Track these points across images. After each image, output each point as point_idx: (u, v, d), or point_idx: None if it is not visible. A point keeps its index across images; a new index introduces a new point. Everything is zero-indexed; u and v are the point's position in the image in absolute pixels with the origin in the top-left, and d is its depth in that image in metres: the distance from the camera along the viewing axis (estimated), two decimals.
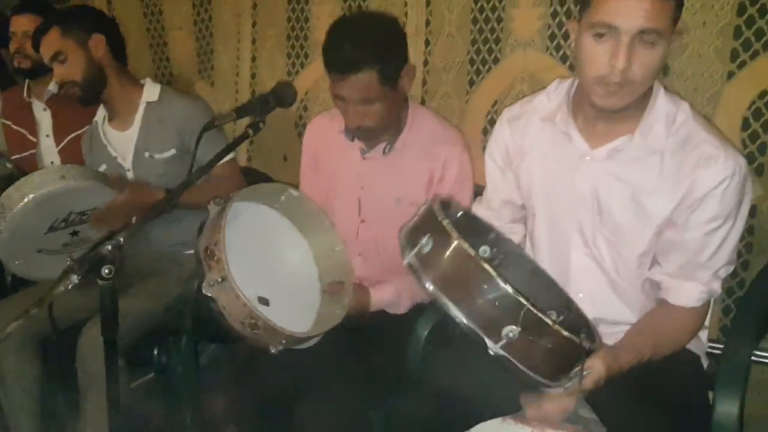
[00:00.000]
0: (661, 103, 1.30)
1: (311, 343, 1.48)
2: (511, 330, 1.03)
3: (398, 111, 1.63)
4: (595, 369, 1.15)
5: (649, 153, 1.30)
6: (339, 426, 1.49)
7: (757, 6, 1.60)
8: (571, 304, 1.30)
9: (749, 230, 1.69)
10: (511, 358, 1.05)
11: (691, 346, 1.41)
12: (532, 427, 1.28)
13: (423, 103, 2.16)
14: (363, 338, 1.63)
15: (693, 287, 1.32)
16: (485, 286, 1.03)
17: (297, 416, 1.51)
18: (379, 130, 1.60)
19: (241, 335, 1.37)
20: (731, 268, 1.35)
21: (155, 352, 1.99)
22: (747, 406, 1.79)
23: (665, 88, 1.34)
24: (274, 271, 1.56)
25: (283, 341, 1.37)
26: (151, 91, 2.05)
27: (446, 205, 1.28)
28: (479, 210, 1.60)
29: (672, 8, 1.17)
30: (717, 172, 1.25)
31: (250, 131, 1.41)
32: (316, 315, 1.57)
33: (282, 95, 1.49)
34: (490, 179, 1.57)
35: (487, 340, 1.04)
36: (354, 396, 1.53)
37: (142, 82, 2.10)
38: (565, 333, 1.04)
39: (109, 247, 1.15)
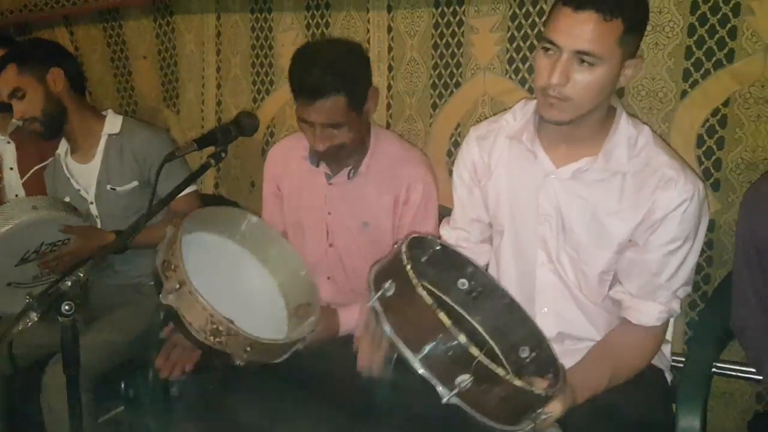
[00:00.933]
0: (623, 126, 1.34)
1: (279, 359, 1.46)
2: (463, 379, 1.04)
3: (363, 134, 1.65)
4: (554, 412, 1.16)
5: (612, 174, 1.34)
6: None
7: (707, 27, 1.65)
8: (543, 342, 1.31)
9: (708, 244, 1.72)
10: (465, 406, 1.07)
11: (655, 360, 1.43)
12: None
13: (388, 126, 2.18)
14: (332, 366, 1.61)
15: (653, 307, 1.35)
16: (441, 335, 1.05)
17: None
18: (345, 154, 1.61)
19: (206, 349, 1.35)
20: (689, 289, 1.39)
21: (123, 385, 1.96)
22: (715, 417, 1.83)
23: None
24: (237, 298, 1.55)
25: (248, 348, 1.35)
26: (112, 122, 2.04)
27: (420, 241, 1.29)
28: (446, 231, 1.62)
29: (617, 35, 1.21)
30: (676, 194, 1.29)
31: (212, 161, 1.41)
32: (285, 337, 1.56)
33: (243, 125, 1.50)
34: (458, 198, 1.59)
35: (440, 389, 1.06)
36: (324, 425, 1.52)
37: (104, 113, 2.08)
38: (518, 383, 1.06)
39: (69, 284, 1.14)
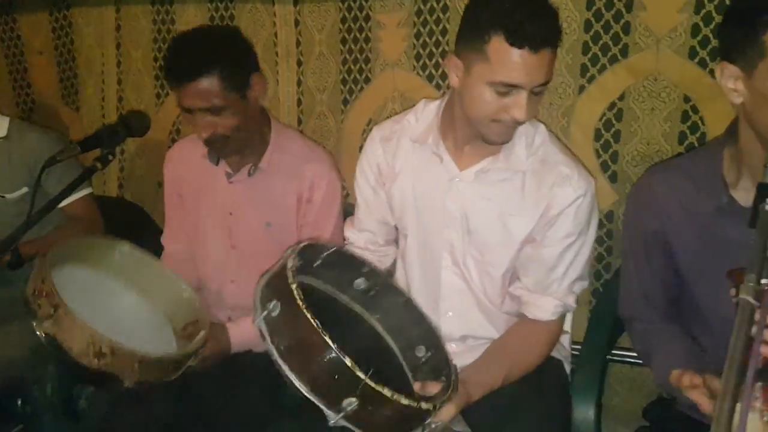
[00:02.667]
0: (521, 125, 1.35)
1: (173, 376, 1.40)
2: (350, 402, 1.03)
3: (256, 125, 1.60)
4: (446, 416, 1.15)
5: (512, 173, 1.36)
6: None
7: (602, 22, 1.70)
8: (438, 342, 1.31)
9: (608, 234, 1.78)
10: (353, 427, 1.06)
11: (554, 352, 1.47)
12: None
13: (299, 122, 2.15)
14: (242, 368, 1.58)
15: (549, 302, 1.38)
16: (327, 358, 1.03)
17: None
18: (235, 143, 1.55)
19: (94, 371, 1.27)
20: (585, 284, 1.43)
21: (19, 402, 1.84)
22: (622, 402, 1.89)
23: None
24: (121, 329, 1.43)
25: (137, 365, 1.28)
26: None
27: (312, 247, 1.26)
28: (352, 233, 1.60)
29: (553, 60, 1.23)
30: (571, 191, 1.33)
31: (98, 164, 1.33)
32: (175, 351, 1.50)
33: (132, 125, 1.43)
34: (363, 199, 1.57)
35: (327, 412, 1.04)
36: (235, 425, 1.50)
37: None
38: (404, 402, 1.05)
39: None
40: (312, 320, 1.03)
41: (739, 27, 1.07)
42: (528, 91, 1.21)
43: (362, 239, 1.58)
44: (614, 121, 1.73)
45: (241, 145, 1.57)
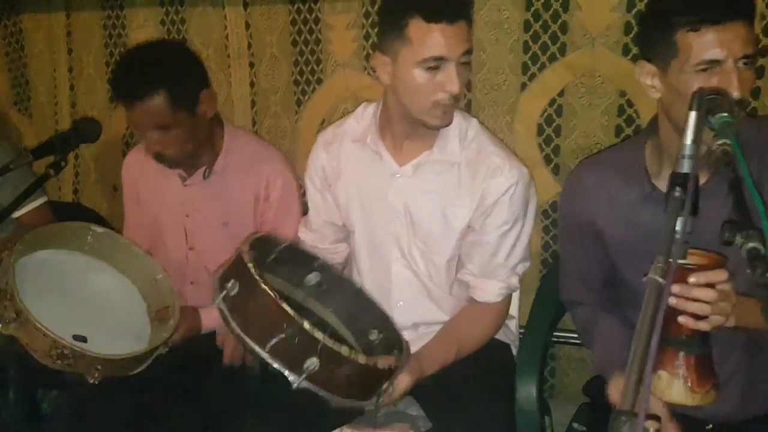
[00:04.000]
0: (455, 119, 1.42)
1: (137, 369, 1.45)
2: (311, 363, 1.10)
3: (205, 135, 1.63)
4: (402, 384, 1.26)
5: (448, 166, 1.44)
6: None
7: (540, 22, 1.78)
8: (389, 323, 1.40)
9: (554, 224, 1.87)
10: (315, 388, 1.12)
11: (501, 336, 1.55)
12: None
13: (254, 123, 2.18)
14: (202, 361, 1.63)
15: (494, 284, 1.46)
16: (286, 325, 1.09)
17: None
18: (182, 157, 1.59)
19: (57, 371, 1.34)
20: (527, 264, 1.52)
21: None
22: (572, 383, 1.99)
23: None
24: (94, 309, 1.51)
25: (99, 366, 1.33)
26: None
27: (265, 240, 1.32)
28: (304, 233, 1.66)
29: (470, 31, 1.33)
30: (504, 180, 1.41)
31: (51, 171, 1.36)
32: (148, 344, 1.54)
33: (83, 131, 1.46)
34: (312, 202, 1.64)
35: (289, 375, 1.10)
36: (199, 419, 1.55)
37: None
38: (362, 360, 1.13)
39: None
40: (269, 290, 1.10)
41: (654, 28, 1.16)
42: (455, 62, 1.29)
43: (313, 239, 1.64)
44: (555, 117, 1.82)
45: (189, 156, 1.60)
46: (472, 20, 1.34)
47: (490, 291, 1.46)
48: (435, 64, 1.29)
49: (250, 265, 1.13)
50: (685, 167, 0.88)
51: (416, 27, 1.27)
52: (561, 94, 1.80)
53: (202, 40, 2.16)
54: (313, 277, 1.42)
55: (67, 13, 2.32)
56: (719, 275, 1.00)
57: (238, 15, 2.10)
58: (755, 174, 1.14)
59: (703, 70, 1.10)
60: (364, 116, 1.53)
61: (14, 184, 1.43)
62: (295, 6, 2.02)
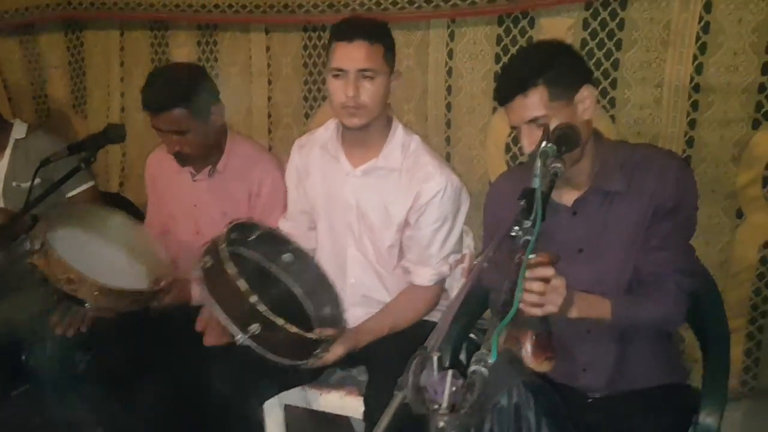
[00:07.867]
0: (399, 135, 1.75)
1: (130, 308, 1.74)
2: (254, 327, 1.42)
3: (214, 140, 1.97)
4: (336, 351, 1.58)
5: (391, 171, 1.74)
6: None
7: (508, 55, 2.03)
8: (338, 303, 1.72)
9: None
10: (254, 345, 1.44)
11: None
12: (324, 392, 1.72)
13: (269, 132, 2.52)
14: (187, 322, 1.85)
15: (427, 271, 1.76)
16: (242, 295, 1.42)
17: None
18: (196, 156, 1.93)
19: (61, 296, 1.67)
20: (458, 256, 1.80)
21: (24, 358, 2.18)
22: None
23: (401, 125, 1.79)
24: (102, 264, 1.80)
25: (96, 293, 1.65)
26: (18, 129, 2.35)
27: (247, 226, 1.66)
28: (282, 222, 1.98)
29: (381, 54, 1.63)
30: (434, 185, 1.70)
31: (83, 165, 1.76)
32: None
33: (110, 134, 1.84)
34: (290, 196, 1.96)
35: (236, 332, 1.43)
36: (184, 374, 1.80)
37: (11, 122, 2.37)
38: (293, 330, 1.44)
39: None
40: (232, 269, 1.42)
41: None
42: (352, 73, 1.60)
43: (291, 227, 1.95)
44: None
45: (200, 156, 1.95)
46: (382, 44, 1.65)
47: (423, 276, 1.76)
48: (337, 73, 1.62)
49: (221, 246, 1.47)
50: (535, 183, 1.13)
51: (332, 46, 1.65)
52: None
53: (230, 59, 2.52)
54: (287, 257, 1.75)
55: (121, 32, 2.72)
56: (546, 271, 1.23)
57: (260, 39, 2.45)
58: (624, 189, 1.40)
59: None
60: (331, 127, 1.85)
61: (61, 170, 1.82)
62: (307, 33, 2.35)
